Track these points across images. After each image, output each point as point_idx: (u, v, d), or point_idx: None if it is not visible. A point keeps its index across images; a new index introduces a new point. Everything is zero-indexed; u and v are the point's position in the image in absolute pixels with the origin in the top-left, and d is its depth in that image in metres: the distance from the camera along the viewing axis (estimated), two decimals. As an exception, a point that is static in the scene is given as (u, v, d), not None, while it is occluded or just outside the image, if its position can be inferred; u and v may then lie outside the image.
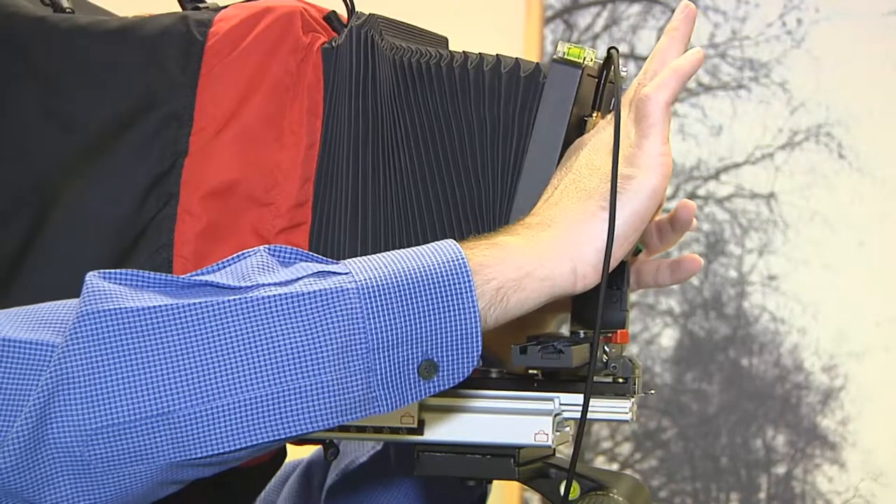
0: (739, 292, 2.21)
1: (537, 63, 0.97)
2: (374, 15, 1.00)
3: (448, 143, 0.98)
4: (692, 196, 2.22)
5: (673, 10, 0.95)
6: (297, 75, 0.98)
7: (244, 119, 0.97)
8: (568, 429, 0.96)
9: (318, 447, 1.20)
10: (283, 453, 1.13)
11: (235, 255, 0.83)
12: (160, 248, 0.95)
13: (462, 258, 0.82)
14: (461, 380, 0.83)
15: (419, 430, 0.95)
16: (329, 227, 0.98)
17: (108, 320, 0.77)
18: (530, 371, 0.98)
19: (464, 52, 0.99)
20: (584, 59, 0.95)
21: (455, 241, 0.84)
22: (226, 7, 1.00)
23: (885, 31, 2.18)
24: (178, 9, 1.02)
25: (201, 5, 1.01)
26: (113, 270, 0.80)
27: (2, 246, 0.95)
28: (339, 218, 0.98)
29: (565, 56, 0.95)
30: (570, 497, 0.97)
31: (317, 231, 0.98)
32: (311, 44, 0.99)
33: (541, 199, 0.93)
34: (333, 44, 0.99)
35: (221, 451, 0.78)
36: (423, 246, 0.84)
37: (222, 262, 0.82)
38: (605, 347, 0.97)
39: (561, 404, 0.95)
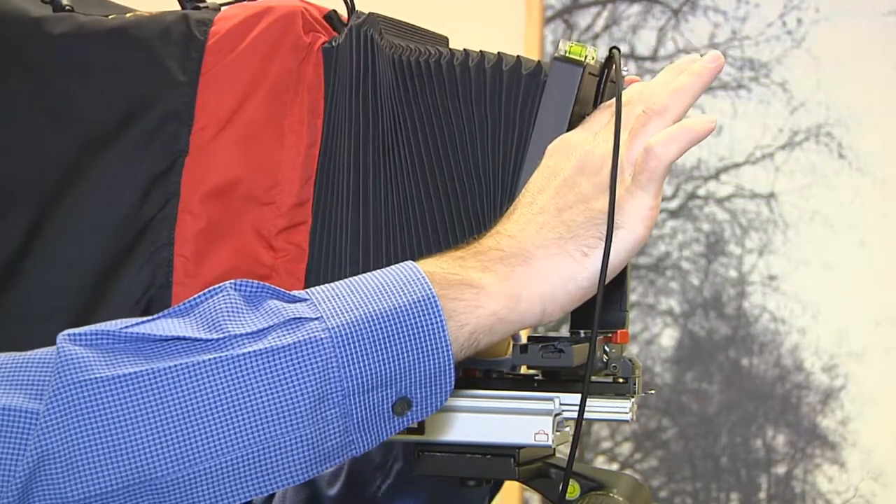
0: (739, 292, 2.21)
1: (539, 61, 0.97)
2: (373, 14, 1.00)
3: (448, 142, 0.98)
4: (692, 196, 2.22)
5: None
6: (297, 75, 0.98)
7: (245, 118, 0.97)
8: (568, 429, 0.96)
9: None
10: None
11: (202, 292, 0.83)
12: (160, 248, 0.95)
13: (433, 296, 0.82)
14: (433, 412, 0.84)
15: (419, 429, 0.95)
16: (329, 226, 0.98)
17: (84, 392, 0.77)
18: (530, 371, 0.98)
19: (464, 50, 0.99)
20: (586, 57, 0.95)
21: (421, 272, 0.84)
22: (226, 5, 1.00)
23: (885, 31, 2.18)
24: (179, 8, 1.01)
25: (201, 5, 1.01)
26: (82, 331, 0.79)
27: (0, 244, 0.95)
28: (339, 217, 0.98)
29: (567, 54, 0.95)
30: (570, 497, 0.97)
31: (317, 230, 0.98)
32: (312, 43, 0.98)
33: (524, 195, 0.92)
34: (333, 43, 0.99)
35: None
36: (390, 274, 0.84)
37: (190, 301, 0.82)
38: (606, 347, 0.97)
39: (561, 404, 0.95)
